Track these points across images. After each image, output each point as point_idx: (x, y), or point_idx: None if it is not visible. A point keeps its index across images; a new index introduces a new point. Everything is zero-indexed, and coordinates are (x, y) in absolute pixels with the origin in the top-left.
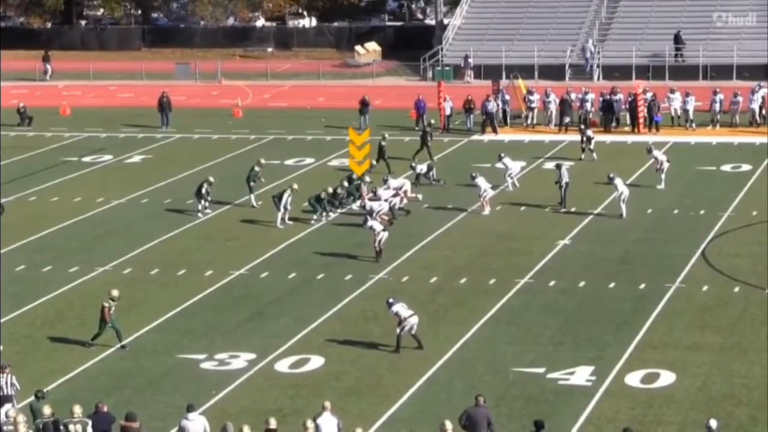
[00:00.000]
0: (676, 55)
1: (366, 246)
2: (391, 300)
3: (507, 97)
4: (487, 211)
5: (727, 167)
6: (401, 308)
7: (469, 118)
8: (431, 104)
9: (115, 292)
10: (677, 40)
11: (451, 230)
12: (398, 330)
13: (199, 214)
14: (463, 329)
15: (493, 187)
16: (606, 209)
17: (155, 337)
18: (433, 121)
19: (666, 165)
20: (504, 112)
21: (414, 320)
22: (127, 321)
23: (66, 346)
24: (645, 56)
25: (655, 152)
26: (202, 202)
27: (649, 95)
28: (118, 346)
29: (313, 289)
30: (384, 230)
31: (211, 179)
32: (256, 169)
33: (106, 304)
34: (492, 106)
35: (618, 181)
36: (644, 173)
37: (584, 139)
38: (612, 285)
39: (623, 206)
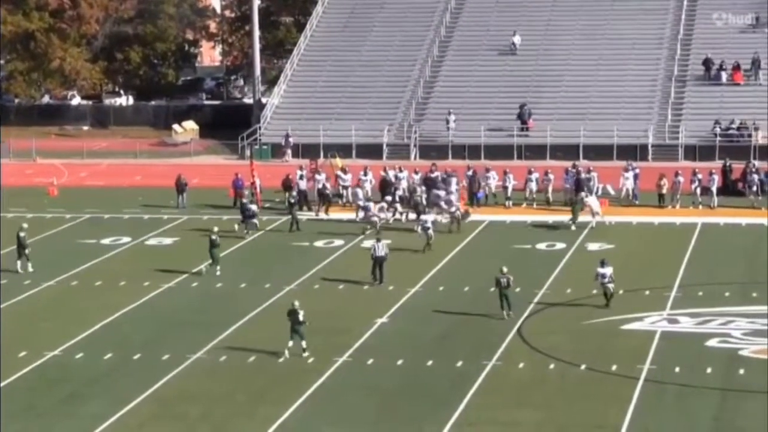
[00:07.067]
0: (522, 129)
1: (187, 323)
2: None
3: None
4: None
5: (542, 245)
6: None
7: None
8: (249, 183)
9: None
10: (521, 115)
11: (269, 309)
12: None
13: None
14: (281, 409)
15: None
16: (423, 287)
17: None
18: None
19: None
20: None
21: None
22: None
23: None
24: (462, 135)
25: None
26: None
27: (469, 173)
28: None
29: (130, 369)
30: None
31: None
32: (21, 234)
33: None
34: (303, 184)
35: None
36: (461, 251)
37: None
38: (430, 363)
39: None
